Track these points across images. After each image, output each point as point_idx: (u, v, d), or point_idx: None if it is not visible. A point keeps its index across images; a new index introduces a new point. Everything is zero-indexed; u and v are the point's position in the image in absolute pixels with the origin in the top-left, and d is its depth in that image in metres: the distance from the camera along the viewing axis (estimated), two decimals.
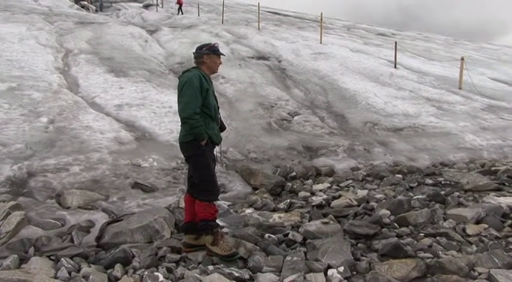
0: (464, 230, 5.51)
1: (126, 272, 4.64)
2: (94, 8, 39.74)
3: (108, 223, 5.95)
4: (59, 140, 9.10)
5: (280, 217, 6.27)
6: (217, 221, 5.23)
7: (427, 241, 5.17)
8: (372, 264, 4.60)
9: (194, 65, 5.19)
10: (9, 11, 23.52)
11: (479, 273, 4.29)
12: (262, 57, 19.47)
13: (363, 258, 4.85)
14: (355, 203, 6.84)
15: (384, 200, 6.85)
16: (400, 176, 8.60)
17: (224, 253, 4.86)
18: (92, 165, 8.19)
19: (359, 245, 5.26)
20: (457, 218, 5.81)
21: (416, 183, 7.91)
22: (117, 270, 4.62)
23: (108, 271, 4.64)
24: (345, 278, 4.37)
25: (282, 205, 7.09)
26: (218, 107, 5.28)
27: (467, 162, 9.80)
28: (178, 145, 5.28)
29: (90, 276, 4.43)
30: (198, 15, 34.26)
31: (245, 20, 31.94)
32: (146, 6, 42.69)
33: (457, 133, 11.91)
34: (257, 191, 8.08)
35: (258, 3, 28.49)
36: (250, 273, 4.54)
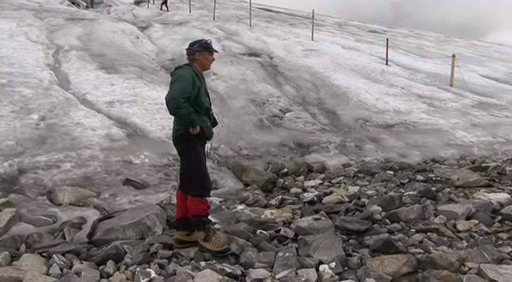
0: (454, 225, 5.54)
1: (118, 269, 4.63)
2: (84, 4, 39.41)
3: (100, 220, 5.93)
4: (50, 137, 9.06)
5: (272, 213, 6.28)
6: (209, 217, 5.23)
7: (418, 237, 5.20)
8: (364, 259, 4.62)
9: (186, 61, 5.18)
10: None
11: (470, 268, 4.32)
12: (253, 54, 19.45)
13: (355, 254, 4.87)
14: (347, 199, 6.87)
15: (375, 196, 6.89)
16: (391, 172, 8.63)
17: (216, 249, 4.87)
18: (83, 162, 8.16)
19: (350, 240, 5.28)
20: (448, 214, 5.84)
21: (407, 180, 7.94)
22: (109, 266, 4.62)
23: (100, 267, 4.64)
24: (337, 274, 4.39)
25: (273, 201, 7.10)
26: (210, 104, 5.28)
27: (458, 159, 9.86)
28: (169, 142, 5.29)
29: (82, 273, 4.42)
30: (190, 11, 34.17)
31: (237, 16, 31.89)
32: (137, 3, 42.46)
33: (448, 130, 11.98)
34: (249, 188, 8.09)
35: (250, 0, 28.44)
36: (242, 269, 4.55)
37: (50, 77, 13.03)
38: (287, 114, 12.71)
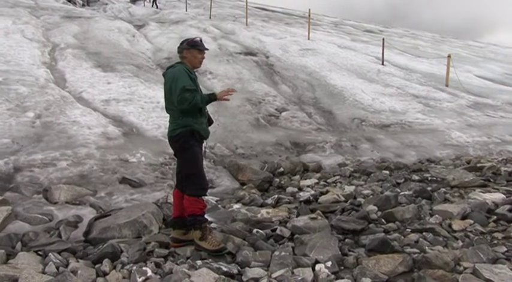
0: (450, 225, 5.56)
1: (115, 267, 4.63)
2: (81, 2, 39.34)
3: (96, 218, 5.94)
4: (46, 135, 9.05)
5: (268, 212, 6.29)
6: (206, 216, 5.24)
7: (414, 236, 5.21)
8: (360, 259, 4.63)
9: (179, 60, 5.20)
10: None
11: (465, 268, 4.34)
12: (250, 53, 19.45)
13: (351, 253, 4.88)
14: (343, 198, 6.88)
15: (371, 196, 6.91)
16: (387, 172, 8.66)
17: (212, 248, 4.87)
18: (80, 160, 8.15)
19: (346, 240, 5.29)
20: (443, 214, 5.86)
21: (403, 179, 7.96)
22: (106, 265, 4.62)
23: (97, 266, 4.64)
24: (333, 273, 4.39)
25: (269, 200, 7.11)
26: None
27: (454, 159, 9.89)
28: (166, 140, 5.30)
29: (79, 271, 4.42)
30: (186, 10, 34.11)
31: (233, 15, 31.86)
32: (133, 1, 42.37)
33: (443, 130, 12.01)
34: (245, 187, 8.11)
35: None
36: (239, 268, 4.56)
37: (46, 75, 13.00)
38: (283, 114, 12.72)
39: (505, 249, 4.77)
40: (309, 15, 25.12)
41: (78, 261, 4.74)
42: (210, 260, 4.71)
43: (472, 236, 5.21)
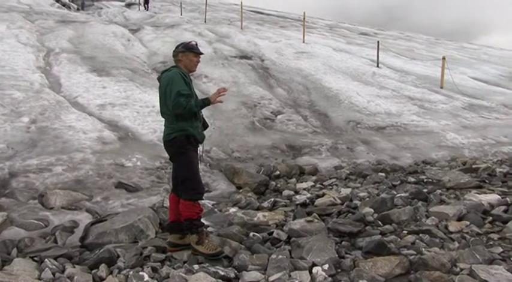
0: (446, 227, 5.57)
1: (111, 272, 4.62)
2: (75, 6, 39.36)
3: (92, 223, 5.91)
4: (41, 140, 9.03)
5: (264, 216, 6.28)
6: (202, 220, 5.23)
7: (410, 238, 5.22)
8: (356, 261, 4.63)
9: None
10: None
11: (461, 269, 4.34)
12: (245, 56, 19.47)
13: (347, 255, 4.88)
14: (339, 201, 6.89)
15: (367, 198, 6.91)
16: (383, 174, 8.67)
17: (209, 252, 4.87)
18: (75, 165, 8.13)
19: (343, 242, 5.29)
20: (439, 215, 5.87)
21: (399, 182, 7.98)
22: (102, 270, 4.60)
23: (93, 271, 4.62)
24: (330, 276, 4.40)
25: (266, 204, 7.11)
26: None
27: (449, 161, 9.90)
28: (161, 144, 5.30)
29: (75, 277, 4.40)
30: (181, 14, 34.14)
31: (228, 19, 31.91)
32: (128, 5, 42.42)
33: (438, 132, 12.04)
34: (241, 190, 8.11)
35: (241, 2, 28.47)
36: (236, 271, 4.55)
37: (40, 80, 12.98)
38: (279, 117, 12.72)
39: (501, 250, 4.79)
40: (304, 18, 25.17)
41: (74, 267, 4.72)
42: (207, 264, 4.71)
43: (468, 237, 5.22)
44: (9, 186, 7.21)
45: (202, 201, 6.09)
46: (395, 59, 21.67)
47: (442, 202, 6.59)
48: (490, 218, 5.74)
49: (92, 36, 20.19)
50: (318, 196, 7.29)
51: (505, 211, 5.88)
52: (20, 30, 19.20)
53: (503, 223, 5.52)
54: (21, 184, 7.29)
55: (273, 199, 7.29)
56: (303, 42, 22.91)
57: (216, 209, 6.99)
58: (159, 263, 4.80)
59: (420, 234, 5.30)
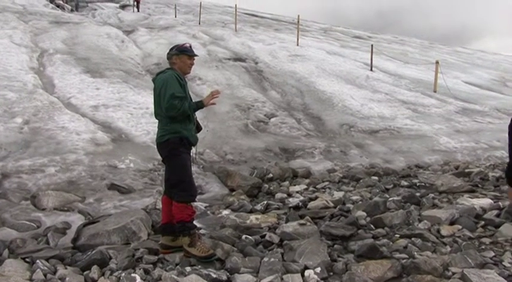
0: (438, 231, 5.59)
1: (103, 274, 4.61)
2: (69, 7, 39.27)
3: (85, 225, 5.90)
4: (34, 141, 9.00)
5: (257, 218, 6.28)
6: (195, 222, 5.23)
7: (403, 242, 5.23)
8: (349, 265, 4.64)
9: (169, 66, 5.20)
10: None
11: (453, 273, 4.36)
12: (239, 58, 19.48)
13: (340, 259, 4.89)
14: (332, 204, 6.89)
15: (360, 202, 6.93)
16: (376, 177, 8.69)
17: (201, 254, 4.86)
18: (68, 166, 8.11)
19: (335, 246, 5.30)
20: (432, 219, 5.89)
21: (392, 185, 8.00)
22: (94, 272, 4.59)
23: (85, 273, 4.61)
24: (322, 279, 4.40)
25: (259, 206, 7.10)
26: None
27: (442, 165, 9.94)
28: (155, 146, 5.30)
29: (67, 278, 4.40)
30: (175, 16, 34.11)
31: (222, 21, 31.92)
32: (123, 7, 42.38)
33: (431, 136, 12.08)
34: (234, 193, 8.10)
35: (235, 5, 28.49)
36: (228, 274, 4.55)
37: (34, 81, 12.95)
38: (272, 120, 12.73)
39: (493, 254, 4.81)
40: (298, 22, 25.22)
41: (66, 268, 4.71)
42: (199, 266, 4.70)
43: (460, 241, 5.24)
44: (2, 186, 7.19)
45: (195, 204, 6.10)
46: (389, 63, 21.75)
47: (434, 206, 6.61)
48: (482, 222, 5.76)
49: (86, 38, 20.15)
50: (311, 199, 7.29)
51: (497, 215, 5.90)
52: (14, 30, 19.14)
53: (496, 227, 5.54)
54: (14, 185, 7.27)
55: (265, 202, 7.28)
56: (297, 45, 22.94)
57: (208, 212, 6.98)
58: (151, 265, 4.78)
59: (412, 238, 5.31)
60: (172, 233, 5.13)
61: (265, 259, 4.73)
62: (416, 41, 38.30)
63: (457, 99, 15.99)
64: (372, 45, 20.41)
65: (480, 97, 16.96)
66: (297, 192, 7.97)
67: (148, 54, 19.07)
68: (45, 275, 4.50)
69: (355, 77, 17.86)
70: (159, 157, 5.35)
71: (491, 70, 23.31)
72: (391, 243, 5.27)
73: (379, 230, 5.71)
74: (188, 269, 4.61)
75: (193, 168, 5.50)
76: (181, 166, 4.99)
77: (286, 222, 6.09)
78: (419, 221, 5.97)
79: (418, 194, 7.14)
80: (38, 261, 4.74)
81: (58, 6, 36.97)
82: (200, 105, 5.01)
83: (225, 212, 6.88)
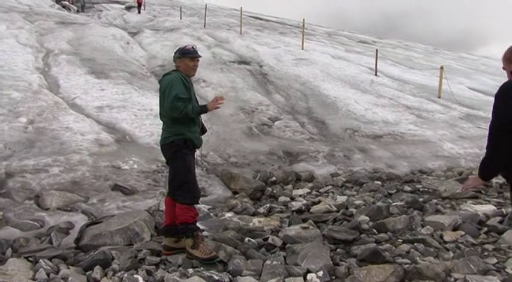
0: (441, 236, 5.58)
1: (106, 274, 4.62)
2: (75, 8, 39.36)
3: (88, 225, 5.92)
4: (39, 141, 9.03)
5: (260, 221, 6.30)
6: (198, 224, 5.23)
7: (405, 247, 5.23)
8: (351, 269, 4.64)
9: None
10: None
11: (456, 279, 4.35)
12: (243, 61, 19.49)
13: (342, 263, 4.89)
14: (335, 208, 6.90)
15: (363, 206, 6.92)
16: (379, 182, 8.67)
17: (204, 256, 4.87)
18: (72, 166, 8.13)
19: (338, 250, 5.30)
20: (435, 225, 5.88)
21: (395, 190, 7.99)
22: (97, 272, 4.60)
23: (88, 273, 4.62)
24: None
25: (261, 209, 7.12)
26: None
27: (445, 170, 9.92)
28: (158, 148, 5.31)
29: (69, 278, 4.41)
30: (180, 18, 34.18)
31: (227, 24, 31.95)
32: (128, 8, 42.44)
33: (435, 141, 12.06)
34: (237, 195, 8.11)
35: (241, 8, 28.57)
36: (230, 276, 4.55)
37: (39, 81, 13.00)
38: (276, 123, 12.74)
39: (496, 260, 4.80)
40: (303, 25, 25.24)
41: (69, 268, 4.73)
42: (201, 268, 4.71)
43: (463, 247, 5.23)
44: (6, 186, 7.21)
45: (198, 206, 6.10)
46: (393, 68, 21.73)
47: (437, 212, 6.60)
48: (485, 228, 5.76)
49: (92, 38, 20.21)
50: (314, 203, 7.30)
51: (500, 222, 5.90)
52: (20, 30, 19.21)
53: (499, 234, 5.54)
54: (18, 184, 7.29)
55: (268, 205, 7.29)
56: (302, 49, 22.95)
57: (211, 214, 6.99)
58: (153, 266, 4.79)
59: (415, 243, 5.31)
60: (175, 234, 5.14)
61: (268, 262, 4.74)
62: (421, 46, 38.28)
63: (461, 105, 15.97)
64: (376, 50, 20.40)
65: (484, 103, 16.92)
66: (300, 195, 7.98)
67: (153, 56, 19.11)
68: (48, 275, 4.51)
69: (359, 82, 17.85)
70: (163, 159, 5.36)
71: (496, 76, 23.23)
72: (393, 248, 5.27)
73: (382, 234, 5.71)
74: (190, 270, 4.62)
75: (197, 171, 5.52)
76: (185, 168, 4.99)
77: (289, 226, 6.10)
78: (422, 226, 5.97)
79: (421, 200, 7.13)
80: (41, 260, 4.75)
81: (64, 7, 37.07)
82: (204, 109, 5.02)
83: (228, 214, 6.89)
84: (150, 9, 41.65)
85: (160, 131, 5.11)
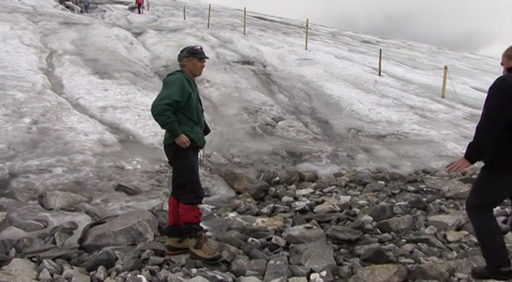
0: (445, 236, 5.58)
1: (109, 274, 4.62)
2: (79, 8, 39.40)
3: (91, 225, 5.92)
4: (42, 141, 9.05)
5: (263, 221, 6.30)
6: (201, 224, 5.24)
7: (409, 247, 5.22)
8: (354, 269, 4.63)
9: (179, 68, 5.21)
10: None
11: (459, 279, 4.35)
12: (247, 62, 19.50)
13: (346, 263, 4.89)
14: (338, 208, 6.89)
15: (366, 206, 6.91)
16: (383, 182, 8.66)
17: (207, 256, 4.87)
18: (76, 166, 8.14)
19: (341, 250, 5.30)
20: (438, 225, 5.88)
21: (398, 190, 7.97)
22: (100, 272, 4.61)
23: (91, 273, 4.63)
24: None
25: (265, 209, 7.11)
26: (202, 110, 5.29)
27: None
28: (162, 148, 5.31)
29: (73, 278, 4.41)
30: (184, 18, 34.21)
31: (231, 24, 31.98)
32: (132, 9, 42.46)
33: (439, 141, 12.04)
34: (240, 195, 8.10)
35: (244, 8, 28.60)
36: (234, 276, 4.56)
37: (43, 81, 13.02)
38: (280, 123, 12.74)
39: None
40: (307, 25, 25.24)
41: (72, 268, 4.73)
42: (205, 268, 4.71)
43: (466, 247, 5.23)
44: (9, 186, 7.21)
45: (202, 206, 6.10)
46: (397, 68, 21.71)
47: (441, 211, 6.59)
48: None
49: (95, 39, 20.25)
50: (317, 203, 7.29)
51: (504, 222, 5.89)
52: (24, 31, 19.25)
53: (502, 234, 5.52)
54: (21, 184, 7.30)
55: (272, 205, 7.29)
56: (306, 49, 22.96)
57: (215, 214, 6.98)
58: (157, 266, 4.80)
59: (418, 243, 5.30)
60: (178, 234, 5.14)
61: (271, 262, 4.74)
62: (424, 46, 38.24)
63: (465, 105, 15.93)
64: (380, 50, 20.38)
65: None
66: (304, 195, 7.97)
67: (156, 56, 19.14)
68: (51, 275, 4.52)
69: (363, 82, 17.84)
70: (166, 159, 5.36)
71: (499, 76, 23.16)
72: (397, 248, 5.27)
73: (385, 234, 5.71)
74: (194, 270, 4.62)
75: (200, 171, 5.51)
76: (188, 168, 5.00)
77: (292, 226, 6.09)
78: (426, 226, 5.96)
79: (424, 199, 7.13)
80: (44, 260, 4.76)
81: (68, 7, 37.12)
82: (176, 134, 4.82)
83: (232, 214, 6.89)
84: (153, 9, 41.69)
85: (164, 131, 5.11)
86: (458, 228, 5.79)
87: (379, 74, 19.28)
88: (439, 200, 7.10)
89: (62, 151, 8.74)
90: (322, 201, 7.30)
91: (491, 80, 4.29)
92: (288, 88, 16.27)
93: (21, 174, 7.61)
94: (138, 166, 8.61)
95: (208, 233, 5.82)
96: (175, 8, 43.22)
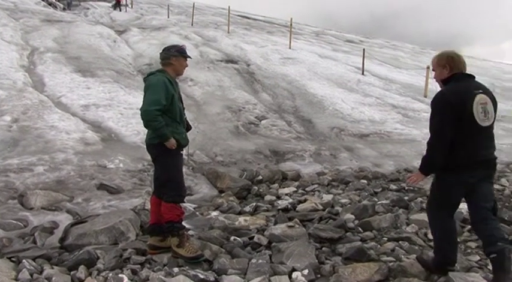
0: (426, 234, 5.61)
1: (90, 274, 4.59)
2: (61, 6, 39.03)
3: (73, 224, 5.88)
4: (23, 140, 8.96)
5: (245, 220, 6.29)
6: (183, 223, 5.23)
7: (390, 245, 5.25)
8: (336, 267, 4.65)
9: (161, 66, 5.17)
10: None
11: (439, 277, 4.38)
12: (231, 60, 19.48)
13: (327, 261, 4.90)
14: (320, 207, 6.90)
15: (348, 205, 6.93)
16: (365, 181, 8.69)
17: (189, 255, 4.86)
18: (57, 165, 8.08)
19: (323, 248, 5.31)
20: (420, 223, 5.91)
21: (380, 189, 8.01)
22: (81, 271, 4.57)
23: (72, 273, 4.59)
24: (309, 281, 4.42)
25: (247, 208, 7.11)
26: (184, 109, 5.27)
27: None
28: (144, 147, 5.28)
29: (53, 278, 4.37)
30: (168, 16, 34.07)
31: (215, 23, 31.92)
32: (115, 7, 42.21)
33: (421, 140, 12.10)
34: (223, 194, 8.09)
35: (228, 7, 28.51)
36: (216, 275, 4.55)
37: (24, 79, 12.90)
38: (263, 122, 12.74)
39: (478, 258, 4.86)
40: (291, 25, 25.27)
41: (53, 268, 4.69)
42: (186, 267, 4.70)
43: None
44: None
45: (184, 205, 6.08)
46: (380, 67, 21.83)
47: (422, 210, 6.61)
48: (469, 226, 5.79)
49: (78, 36, 20.09)
50: (300, 202, 7.30)
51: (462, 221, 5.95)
52: (4, 27, 19.06)
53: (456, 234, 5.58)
54: (1, 183, 7.21)
55: (254, 204, 7.29)
56: (289, 48, 22.99)
57: (197, 213, 6.97)
58: (139, 266, 4.77)
59: (400, 242, 5.34)
60: (160, 233, 5.13)
61: (253, 261, 4.74)
62: (408, 46, 38.48)
63: None
64: (363, 50, 20.47)
65: None
66: (286, 194, 7.97)
67: (140, 55, 19.04)
68: (31, 275, 4.47)
69: (346, 81, 17.91)
70: (149, 158, 5.35)
71: (480, 76, 23.35)
72: (378, 246, 5.30)
73: (367, 233, 5.73)
74: (176, 269, 4.61)
75: (183, 169, 5.49)
76: (172, 166, 4.99)
77: (274, 224, 6.09)
78: (407, 224, 6.00)
79: (406, 198, 7.17)
80: (24, 260, 4.71)
81: (50, 4, 36.74)
82: (166, 139, 4.83)
83: (214, 213, 6.87)
84: (137, 7, 41.47)
85: (146, 129, 5.08)
86: None
87: (363, 74, 19.37)
88: (420, 199, 7.13)
89: (43, 150, 8.66)
90: (305, 200, 7.32)
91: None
92: (272, 87, 16.28)
93: (1, 173, 7.53)
94: (121, 165, 8.56)
95: (190, 232, 5.80)
96: (159, 5, 43.02)
